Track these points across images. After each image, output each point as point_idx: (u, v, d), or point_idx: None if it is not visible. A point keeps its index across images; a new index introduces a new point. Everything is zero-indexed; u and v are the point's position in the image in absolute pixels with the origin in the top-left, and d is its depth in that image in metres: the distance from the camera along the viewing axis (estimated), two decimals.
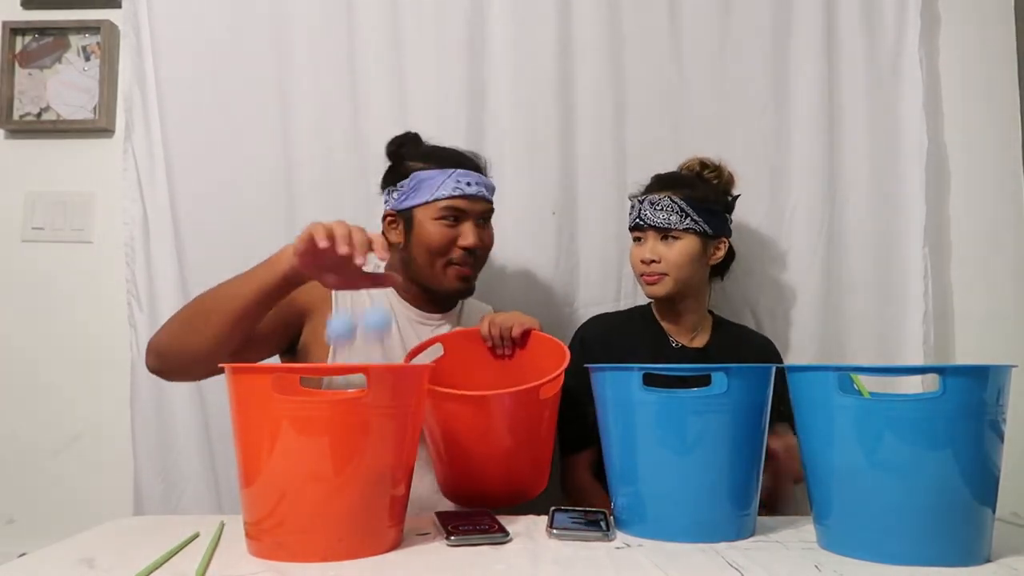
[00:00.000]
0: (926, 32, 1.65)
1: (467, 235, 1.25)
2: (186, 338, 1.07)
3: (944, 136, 1.70)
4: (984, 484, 0.80)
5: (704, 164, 1.45)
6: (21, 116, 1.74)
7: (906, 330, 1.62)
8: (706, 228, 1.38)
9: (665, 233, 1.37)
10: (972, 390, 0.79)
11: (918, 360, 1.58)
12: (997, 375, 0.80)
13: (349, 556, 0.81)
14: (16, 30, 1.74)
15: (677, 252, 1.37)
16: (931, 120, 1.64)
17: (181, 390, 1.58)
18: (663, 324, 1.46)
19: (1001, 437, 0.81)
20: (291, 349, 1.26)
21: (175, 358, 1.09)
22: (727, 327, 1.49)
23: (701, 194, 1.40)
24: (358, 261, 0.93)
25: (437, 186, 1.24)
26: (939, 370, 0.80)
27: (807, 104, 1.63)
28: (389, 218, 1.31)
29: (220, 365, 0.88)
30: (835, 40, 1.65)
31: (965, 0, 1.71)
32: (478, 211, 1.27)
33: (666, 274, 1.37)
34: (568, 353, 1.11)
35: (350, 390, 0.93)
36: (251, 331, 1.09)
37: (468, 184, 1.25)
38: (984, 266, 1.69)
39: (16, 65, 1.74)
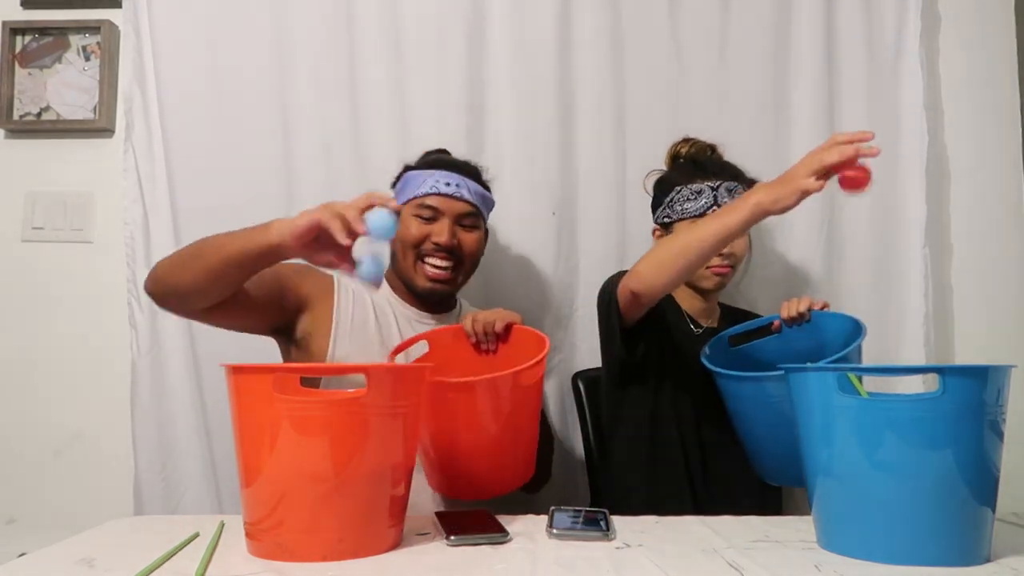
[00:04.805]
0: (926, 32, 1.65)
1: (440, 232, 1.27)
2: (178, 272, 1.10)
3: (944, 136, 1.70)
4: (984, 484, 0.80)
5: (712, 147, 1.44)
6: (21, 116, 1.74)
7: (906, 330, 1.62)
8: None
9: None
10: (972, 390, 0.79)
11: (918, 360, 1.58)
12: (997, 375, 0.80)
13: (349, 556, 0.81)
14: (16, 30, 1.74)
15: (745, 243, 1.37)
16: (931, 120, 1.64)
17: (181, 390, 1.58)
18: (684, 307, 1.42)
19: (1001, 437, 0.81)
20: (288, 335, 1.27)
21: (165, 287, 1.11)
22: (729, 309, 1.49)
23: (754, 181, 1.38)
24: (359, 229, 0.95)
25: (419, 184, 1.29)
26: (939, 370, 0.80)
27: (807, 104, 1.64)
28: None
29: (207, 314, 1.03)
30: (835, 40, 1.65)
31: (965, 0, 1.72)
32: (456, 211, 1.29)
33: (735, 266, 1.36)
34: (547, 342, 1.11)
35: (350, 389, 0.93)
36: (234, 286, 1.10)
37: (447, 184, 1.28)
38: (984, 266, 1.69)
39: (16, 65, 1.74)
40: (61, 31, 1.74)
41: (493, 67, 1.64)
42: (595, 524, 0.94)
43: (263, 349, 1.31)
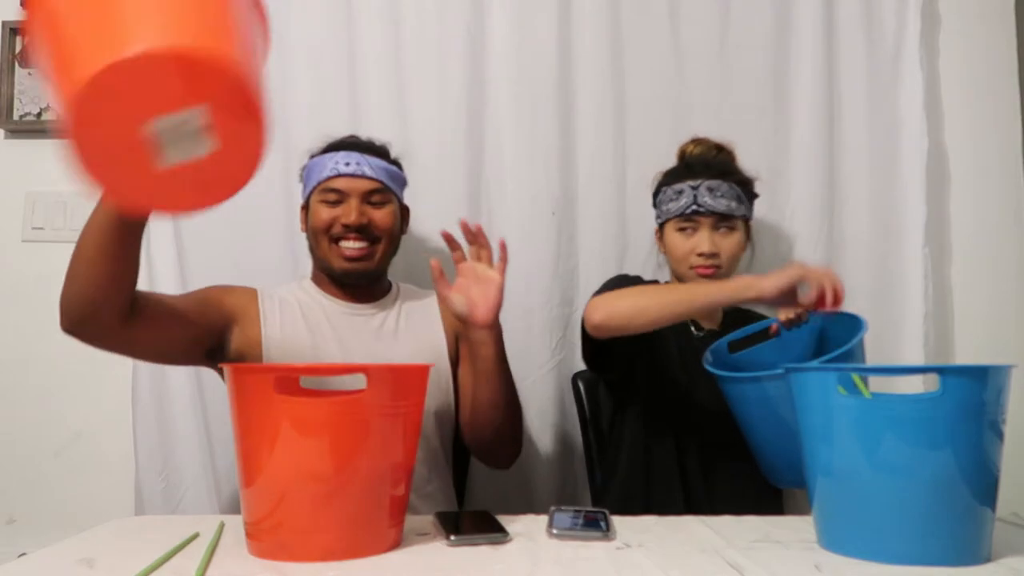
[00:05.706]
0: (926, 32, 1.65)
1: (347, 213, 1.26)
2: (77, 281, 1.07)
3: (944, 136, 1.70)
4: (984, 484, 0.80)
5: (719, 147, 1.43)
6: (21, 116, 1.74)
7: (906, 330, 1.62)
8: (750, 215, 1.37)
9: (721, 222, 1.33)
10: (972, 390, 0.79)
11: (918, 360, 1.58)
12: (997, 375, 0.80)
13: (349, 556, 0.81)
14: (16, 30, 1.74)
15: (735, 243, 1.35)
16: (931, 120, 1.64)
17: (181, 390, 1.58)
18: None
19: (1001, 437, 0.81)
20: (223, 357, 1.23)
21: (79, 307, 1.07)
22: (732, 309, 1.46)
23: (748, 179, 1.38)
24: None
25: (321, 169, 1.29)
26: (939, 370, 0.80)
27: (807, 104, 1.64)
28: (302, 211, 1.36)
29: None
30: (835, 40, 1.65)
31: (965, 0, 1.72)
32: (361, 189, 1.27)
33: (721, 267, 1.34)
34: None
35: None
36: (129, 269, 1.06)
37: (347, 164, 1.27)
38: (984, 266, 1.69)
39: (16, 65, 1.74)
40: None
41: (493, 67, 1.64)
42: (595, 524, 0.94)
43: None
